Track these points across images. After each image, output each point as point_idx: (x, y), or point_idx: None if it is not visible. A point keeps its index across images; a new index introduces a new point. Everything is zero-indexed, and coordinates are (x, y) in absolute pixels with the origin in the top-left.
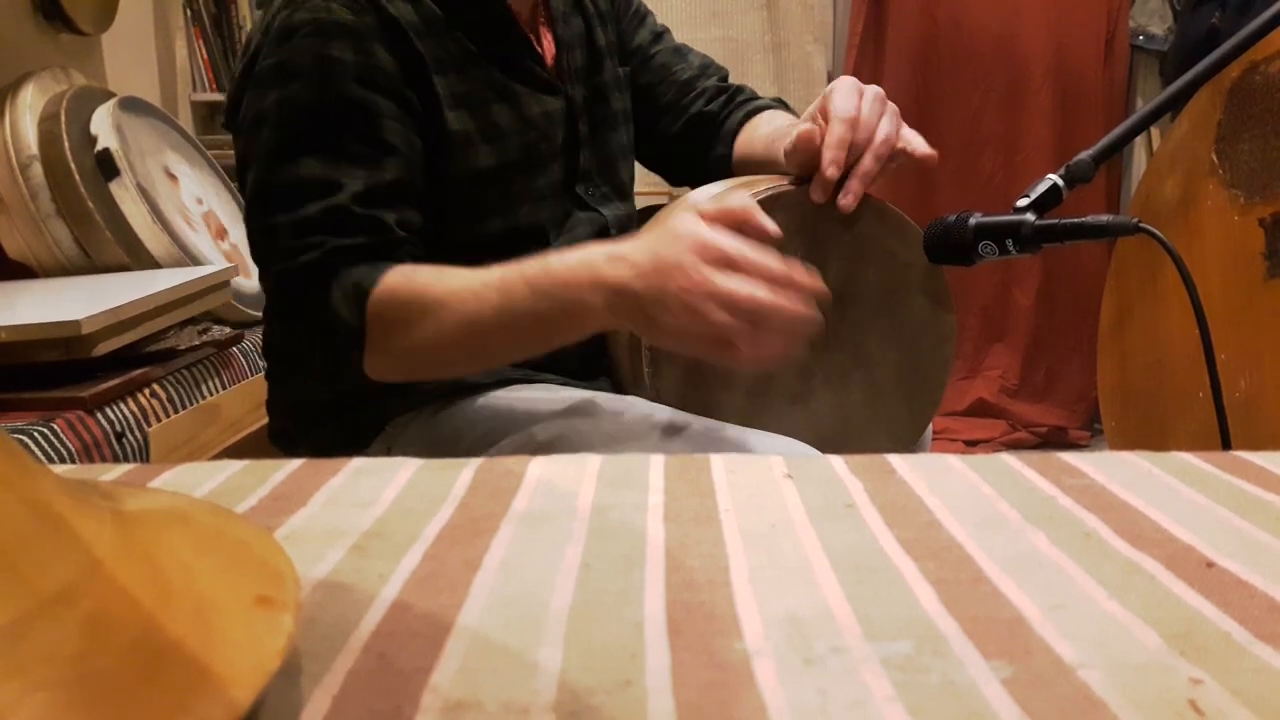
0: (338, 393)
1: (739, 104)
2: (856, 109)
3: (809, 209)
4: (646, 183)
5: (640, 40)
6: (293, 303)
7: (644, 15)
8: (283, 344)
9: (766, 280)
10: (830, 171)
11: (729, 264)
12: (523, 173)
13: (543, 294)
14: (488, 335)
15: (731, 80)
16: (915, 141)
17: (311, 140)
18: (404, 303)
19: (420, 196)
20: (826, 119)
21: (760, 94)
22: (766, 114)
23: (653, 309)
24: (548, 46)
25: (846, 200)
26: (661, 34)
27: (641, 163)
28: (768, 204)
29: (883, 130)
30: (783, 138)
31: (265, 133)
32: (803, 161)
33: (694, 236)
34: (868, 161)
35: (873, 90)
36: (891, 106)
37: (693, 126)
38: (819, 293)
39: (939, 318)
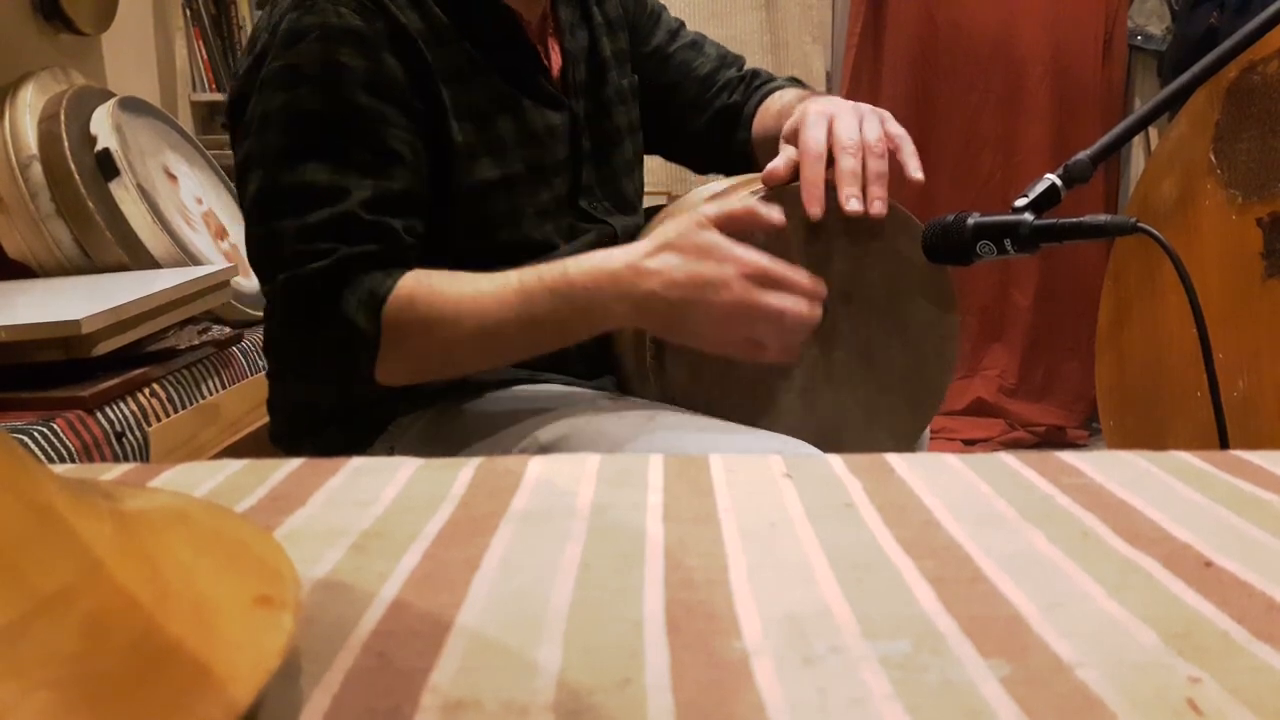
0: (341, 395)
1: (755, 89)
2: (825, 141)
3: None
4: (648, 182)
5: (658, 41)
6: (302, 310)
7: (659, 14)
8: (288, 351)
9: (800, 294)
10: (815, 211)
11: (771, 281)
12: (526, 186)
13: (565, 300)
14: (506, 340)
15: None
16: (911, 162)
17: (318, 146)
18: (421, 309)
19: (426, 206)
20: (797, 142)
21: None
22: (778, 94)
23: (689, 319)
24: (555, 59)
25: (876, 209)
26: (677, 30)
27: (668, 158)
28: (772, 199)
29: (873, 135)
30: (788, 116)
31: (271, 137)
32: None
33: (729, 253)
34: (874, 166)
35: (845, 108)
36: (880, 112)
37: (717, 119)
38: (824, 296)
39: (943, 317)
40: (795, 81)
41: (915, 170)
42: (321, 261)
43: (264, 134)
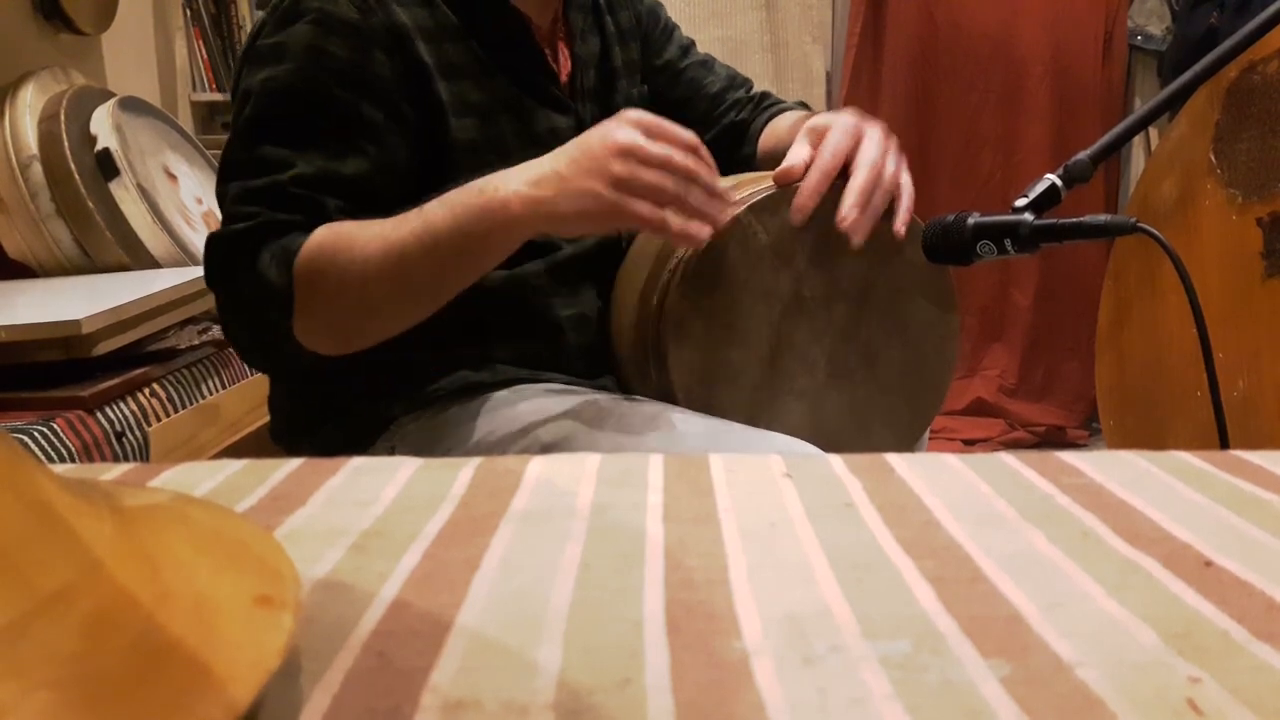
0: (340, 390)
1: (764, 109)
2: (876, 156)
3: (821, 206)
4: None
5: (670, 56)
6: (219, 268)
7: (672, 30)
8: (219, 315)
9: (679, 145)
10: (853, 217)
11: (645, 129)
12: None
13: (460, 206)
14: (409, 262)
15: None
16: (902, 216)
17: (283, 126)
18: (329, 252)
19: (376, 201)
20: (820, 143)
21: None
22: (788, 114)
23: (574, 183)
24: (564, 63)
25: (858, 239)
26: (689, 48)
27: None
28: (779, 199)
29: (890, 170)
30: (798, 131)
31: (245, 109)
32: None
33: (604, 123)
34: (879, 199)
35: (877, 131)
36: (902, 157)
37: (724, 134)
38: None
39: (943, 318)
40: (804, 106)
41: (901, 225)
42: (244, 223)
43: (242, 106)
